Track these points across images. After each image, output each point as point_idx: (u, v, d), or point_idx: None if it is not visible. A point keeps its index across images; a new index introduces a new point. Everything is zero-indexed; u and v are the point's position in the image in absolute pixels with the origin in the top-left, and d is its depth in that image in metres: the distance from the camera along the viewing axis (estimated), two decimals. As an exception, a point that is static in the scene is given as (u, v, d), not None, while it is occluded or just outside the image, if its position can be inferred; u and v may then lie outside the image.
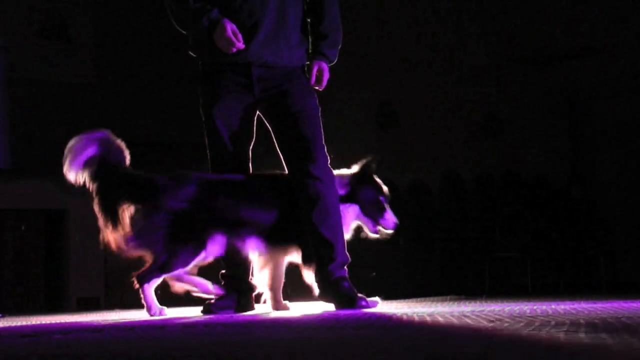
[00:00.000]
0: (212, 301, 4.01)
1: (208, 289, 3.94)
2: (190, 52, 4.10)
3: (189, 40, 4.09)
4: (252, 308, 4.10)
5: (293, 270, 4.13)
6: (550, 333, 2.09)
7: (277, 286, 4.06)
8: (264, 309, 4.10)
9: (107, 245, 3.85)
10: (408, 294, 6.48)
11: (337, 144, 4.24)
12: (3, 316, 5.39)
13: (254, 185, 3.97)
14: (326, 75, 4.11)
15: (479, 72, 9.77)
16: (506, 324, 2.44)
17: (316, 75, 4.08)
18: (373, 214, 4.10)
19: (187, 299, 4.14)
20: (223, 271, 4.09)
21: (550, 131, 9.86)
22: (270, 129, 4.10)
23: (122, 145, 3.88)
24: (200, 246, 3.78)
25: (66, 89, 8.18)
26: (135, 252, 3.81)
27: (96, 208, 3.84)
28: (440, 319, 2.81)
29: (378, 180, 4.16)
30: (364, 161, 4.13)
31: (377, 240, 4.19)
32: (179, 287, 3.93)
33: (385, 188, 4.15)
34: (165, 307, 3.83)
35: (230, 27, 3.85)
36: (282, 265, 4.05)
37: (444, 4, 9.84)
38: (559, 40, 9.59)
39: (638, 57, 9.23)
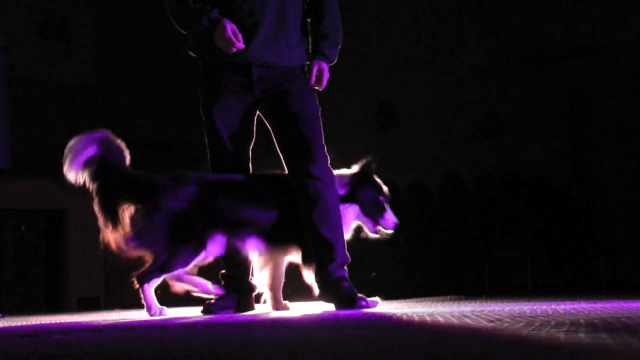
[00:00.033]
0: (212, 301, 4.01)
1: (208, 289, 3.94)
2: (190, 52, 4.10)
3: (189, 40, 4.09)
4: (252, 308, 4.10)
5: (293, 270, 4.13)
6: (550, 333, 2.09)
7: (277, 286, 4.06)
8: (264, 309, 4.10)
9: (107, 245, 3.85)
10: (408, 294, 6.48)
11: (337, 144, 4.24)
12: (3, 316, 5.39)
13: (254, 185, 3.97)
14: (326, 75, 4.11)
15: (479, 72, 9.77)
16: (506, 324, 2.44)
17: (316, 75, 4.08)
18: (373, 214, 4.11)
19: (187, 299, 4.14)
20: (223, 271, 4.09)
21: (550, 131, 9.86)
22: (270, 129, 4.10)
23: (122, 145, 3.88)
24: (200, 246, 3.79)
25: (66, 89, 8.18)
26: (136, 252, 3.81)
27: (96, 208, 3.84)
28: (440, 319, 2.81)
29: (378, 180, 4.16)
30: (364, 161, 4.13)
31: (377, 240, 4.19)
32: (179, 287, 3.93)
33: (385, 188, 4.15)
34: (165, 307, 3.83)
35: (230, 27, 3.85)
36: (282, 265, 4.05)
37: (444, 4, 9.84)
38: (559, 40, 9.59)
39: (638, 57, 9.24)
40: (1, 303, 7.04)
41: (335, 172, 4.07)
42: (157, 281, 3.81)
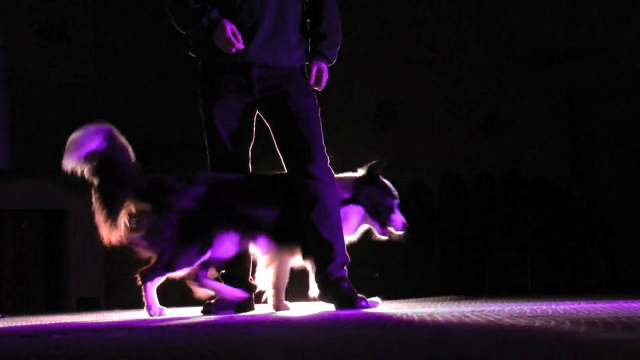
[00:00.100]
0: (212, 301, 4.01)
1: (234, 294, 3.92)
2: (190, 53, 4.10)
3: (189, 40, 4.09)
4: (252, 308, 4.10)
5: (292, 270, 4.13)
6: (550, 333, 2.09)
7: (281, 285, 4.06)
8: (264, 309, 4.10)
9: (105, 241, 3.83)
10: (408, 294, 6.48)
11: (337, 144, 4.24)
12: (3, 316, 5.39)
13: (261, 185, 3.98)
14: (325, 76, 4.11)
15: (479, 72, 9.77)
16: (506, 324, 2.44)
17: (315, 75, 4.09)
18: (379, 215, 4.09)
19: (187, 299, 4.14)
20: (223, 271, 4.09)
21: (550, 131, 9.85)
22: (270, 129, 4.10)
23: (126, 141, 3.87)
24: (206, 246, 3.77)
25: (66, 89, 8.17)
26: (146, 253, 3.80)
27: (96, 204, 3.81)
28: (440, 319, 2.81)
29: (385, 181, 4.15)
30: (370, 163, 4.13)
31: (377, 240, 4.18)
32: (202, 292, 3.92)
33: (393, 189, 4.14)
34: (165, 307, 3.83)
35: (229, 28, 3.85)
36: (287, 265, 4.05)
37: (444, 4, 9.84)
38: (559, 40, 9.59)
39: (638, 57, 9.23)
40: (1, 303, 7.03)
41: (341, 174, 4.08)
42: (160, 279, 3.80)
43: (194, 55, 4.09)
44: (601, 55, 9.45)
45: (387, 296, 4.90)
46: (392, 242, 4.19)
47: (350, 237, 4.12)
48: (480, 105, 9.75)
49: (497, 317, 2.81)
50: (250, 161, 4.12)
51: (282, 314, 3.86)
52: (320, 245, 3.91)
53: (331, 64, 4.15)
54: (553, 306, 3.59)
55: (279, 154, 4.06)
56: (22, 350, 2.29)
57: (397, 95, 9.57)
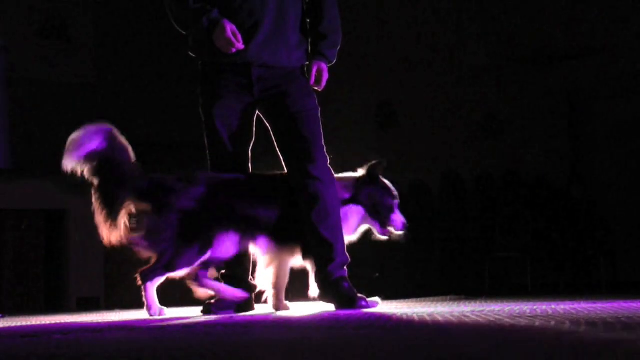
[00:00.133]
0: (212, 301, 4.01)
1: (234, 294, 3.93)
2: (190, 53, 4.10)
3: (189, 40, 4.09)
4: (252, 308, 4.10)
5: (292, 270, 4.13)
6: (550, 333, 2.09)
7: (281, 285, 4.06)
8: (264, 309, 4.10)
9: (105, 241, 3.83)
10: (408, 294, 6.48)
11: (337, 144, 4.24)
12: (3, 316, 5.39)
13: (262, 185, 3.98)
14: (325, 76, 4.11)
15: (479, 72, 9.77)
16: (506, 324, 2.44)
17: (315, 75, 4.09)
18: (379, 215, 4.09)
19: (187, 299, 4.14)
20: (223, 271, 4.09)
21: (550, 131, 9.85)
22: (270, 129, 4.10)
23: (126, 141, 3.87)
24: (206, 246, 3.77)
25: (66, 89, 8.17)
26: (146, 253, 3.80)
27: (96, 204, 3.80)
28: (440, 319, 2.81)
29: (385, 181, 4.15)
30: (370, 163, 4.13)
31: (377, 240, 4.18)
32: (202, 292, 3.92)
33: (393, 189, 4.14)
34: (165, 307, 3.83)
35: (229, 28, 3.85)
36: (287, 265, 4.04)
37: (444, 4, 9.84)
38: (559, 40, 9.59)
39: (638, 57, 9.23)
40: (1, 303, 7.03)
41: (341, 175, 4.08)
42: (160, 279, 3.80)
43: (194, 55, 4.09)
44: (601, 55, 9.45)
45: (387, 296, 4.90)
46: (392, 242, 4.19)
47: (350, 237, 4.12)
48: (480, 105, 9.75)
49: (497, 317, 2.81)
50: (250, 161, 4.12)
51: (282, 314, 3.86)
52: (320, 245, 3.91)
53: (331, 64, 4.15)
54: (553, 306, 3.59)
55: (279, 154, 4.06)
56: (22, 350, 2.29)
57: (397, 95, 9.57)
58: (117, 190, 3.79)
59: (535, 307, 3.50)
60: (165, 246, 3.74)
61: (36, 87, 8.02)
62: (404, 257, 8.41)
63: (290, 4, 4.01)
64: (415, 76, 9.61)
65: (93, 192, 3.81)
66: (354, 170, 4.19)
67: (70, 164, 3.75)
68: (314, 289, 4.00)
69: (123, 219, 3.80)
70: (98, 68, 8.39)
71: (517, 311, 3.18)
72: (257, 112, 4.10)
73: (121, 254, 4.31)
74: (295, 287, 4.33)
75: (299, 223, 3.94)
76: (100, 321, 3.82)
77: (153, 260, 3.79)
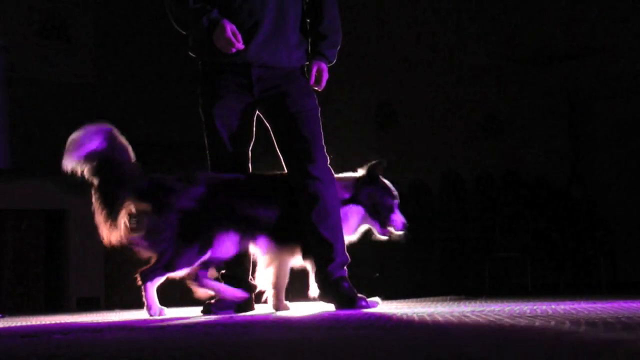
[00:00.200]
0: (212, 301, 4.01)
1: (234, 294, 3.93)
2: (190, 53, 4.10)
3: (188, 40, 4.09)
4: (252, 308, 4.10)
5: (292, 270, 4.13)
6: (550, 333, 2.09)
7: (281, 285, 4.05)
8: (264, 309, 4.10)
9: (105, 241, 3.83)
10: (408, 294, 6.48)
11: (337, 144, 4.24)
12: (3, 316, 5.39)
13: (262, 185, 3.98)
14: (325, 76, 4.11)
15: (479, 72, 9.77)
16: (506, 324, 2.44)
17: (315, 75, 4.09)
18: (379, 215, 4.09)
19: (187, 299, 4.14)
20: (223, 271, 4.09)
21: (550, 131, 9.85)
22: (270, 129, 4.10)
23: (126, 141, 3.87)
24: (206, 246, 3.77)
25: (66, 89, 8.17)
26: (146, 253, 3.80)
27: (96, 204, 3.80)
28: (440, 319, 2.81)
29: (385, 182, 4.15)
30: (371, 163, 4.13)
31: (377, 240, 4.18)
32: (202, 292, 3.92)
33: (393, 189, 4.14)
34: (165, 307, 3.83)
35: (229, 28, 3.85)
36: (287, 265, 4.04)
37: (444, 4, 9.84)
38: (559, 40, 9.59)
39: (638, 57, 9.23)
40: (1, 303, 7.03)
41: (341, 175, 4.08)
42: (160, 279, 3.80)
43: (194, 55, 4.09)
44: (601, 55, 9.45)
45: (387, 296, 4.90)
46: (392, 242, 4.19)
47: (350, 237, 4.12)
48: (480, 105, 9.75)
49: (497, 317, 2.81)
50: (250, 161, 4.12)
51: (282, 314, 3.86)
52: (320, 245, 3.91)
53: (331, 64, 4.15)
54: (553, 306, 3.59)
55: (279, 154, 4.06)
56: (22, 350, 2.29)
57: (397, 95, 9.57)
58: (117, 190, 3.79)
59: (535, 307, 3.50)
60: (165, 246, 3.74)
61: (36, 87, 8.02)
62: (404, 257, 8.41)
63: (290, 4, 4.01)
64: (415, 76, 9.61)
65: (93, 192, 3.81)
66: (354, 170, 4.18)
67: (70, 164, 3.75)
68: (314, 289, 4.00)
69: (123, 219, 3.80)
70: (98, 68, 8.39)
71: (517, 311, 3.18)
72: (257, 112, 4.10)
73: (121, 254, 4.31)
74: (295, 287, 4.33)
75: (299, 223, 3.94)
76: (100, 321, 3.82)
77: (153, 260, 3.79)
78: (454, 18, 9.87)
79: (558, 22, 9.61)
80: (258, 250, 3.94)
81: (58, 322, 4.01)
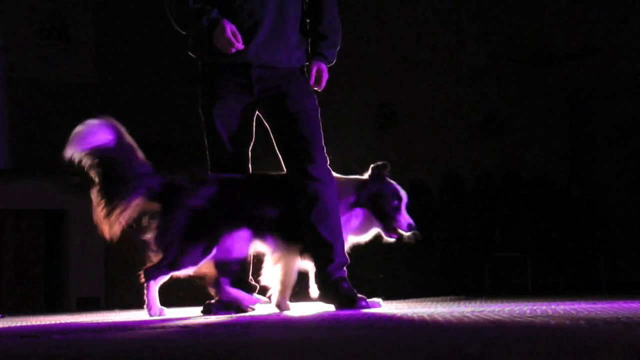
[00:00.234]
0: (212, 301, 4.01)
1: (252, 300, 3.92)
2: (190, 53, 4.10)
3: (188, 40, 4.09)
4: (252, 308, 4.10)
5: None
6: (550, 333, 2.09)
7: (287, 283, 4.03)
8: (264, 309, 4.10)
9: (106, 237, 3.81)
10: (408, 294, 6.48)
11: (337, 144, 4.24)
12: (3, 316, 5.39)
13: (270, 186, 3.98)
14: (325, 76, 4.11)
15: (479, 72, 9.77)
16: (506, 324, 2.44)
17: (315, 76, 4.09)
18: (384, 217, 4.06)
19: (187, 299, 4.14)
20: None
21: (550, 131, 9.85)
22: (269, 129, 4.10)
23: (132, 139, 3.87)
24: (212, 246, 3.77)
25: (66, 89, 8.17)
26: (155, 255, 3.77)
27: (96, 200, 3.77)
28: (440, 319, 2.81)
29: (392, 182, 4.13)
30: (376, 164, 4.11)
31: (379, 241, 4.17)
32: (225, 298, 3.91)
33: (399, 190, 4.10)
34: (165, 307, 3.82)
35: (229, 28, 3.85)
36: (294, 264, 4.03)
37: (444, 4, 9.84)
38: (559, 40, 9.59)
39: (638, 57, 9.23)
40: (1, 303, 7.03)
41: (346, 177, 4.07)
42: (163, 278, 3.79)
43: (194, 55, 4.09)
44: (601, 55, 9.45)
45: (387, 296, 4.90)
46: (392, 242, 4.18)
47: (359, 239, 4.11)
48: (480, 105, 9.75)
49: (497, 317, 2.81)
50: (250, 161, 4.12)
51: (282, 314, 3.86)
52: (320, 245, 3.91)
53: (331, 64, 4.15)
54: (553, 306, 3.59)
55: (279, 154, 4.06)
56: (22, 350, 2.29)
57: (397, 95, 9.57)
58: (127, 188, 3.76)
59: (535, 307, 3.50)
60: (171, 244, 3.72)
61: (36, 87, 8.02)
62: (404, 257, 8.41)
63: (290, 4, 4.01)
64: (415, 76, 9.61)
65: (95, 187, 3.78)
66: (354, 170, 4.18)
67: (73, 153, 3.72)
68: (314, 290, 4.00)
69: (132, 218, 3.78)
70: (98, 68, 8.39)
71: (517, 311, 3.18)
72: (257, 112, 4.10)
73: (121, 254, 4.30)
74: (295, 287, 4.33)
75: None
76: (100, 321, 3.82)
77: (158, 259, 3.77)
78: (454, 18, 9.87)
79: (558, 22, 9.62)
80: (267, 249, 3.94)
81: (58, 322, 4.01)
